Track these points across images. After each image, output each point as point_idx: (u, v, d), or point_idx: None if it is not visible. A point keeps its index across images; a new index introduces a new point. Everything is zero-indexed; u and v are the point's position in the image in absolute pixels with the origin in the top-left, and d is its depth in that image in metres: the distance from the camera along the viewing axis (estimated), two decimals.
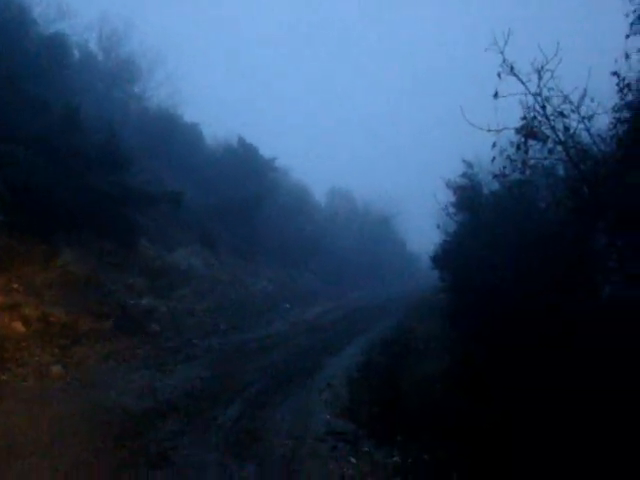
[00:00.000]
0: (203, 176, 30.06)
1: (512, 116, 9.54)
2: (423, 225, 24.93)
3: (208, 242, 24.76)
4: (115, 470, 6.96)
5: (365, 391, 10.93)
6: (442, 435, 8.26)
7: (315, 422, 9.23)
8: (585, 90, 8.81)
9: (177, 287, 19.15)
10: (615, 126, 8.60)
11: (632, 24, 8.70)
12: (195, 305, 18.53)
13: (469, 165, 13.76)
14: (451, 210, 15.70)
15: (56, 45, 23.97)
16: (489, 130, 9.68)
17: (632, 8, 8.71)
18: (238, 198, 28.99)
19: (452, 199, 15.38)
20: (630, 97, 8.40)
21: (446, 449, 7.89)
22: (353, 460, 7.81)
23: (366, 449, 8.22)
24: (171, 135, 30.21)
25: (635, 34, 8.66)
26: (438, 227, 17.44)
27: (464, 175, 14.04)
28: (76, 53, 29.07)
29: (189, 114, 34.93)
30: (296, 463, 7.50)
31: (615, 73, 8.61)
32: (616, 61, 8.55)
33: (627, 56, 8.52)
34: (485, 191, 13.66)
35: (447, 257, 16.25)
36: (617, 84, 8.55)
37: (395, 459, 7.89)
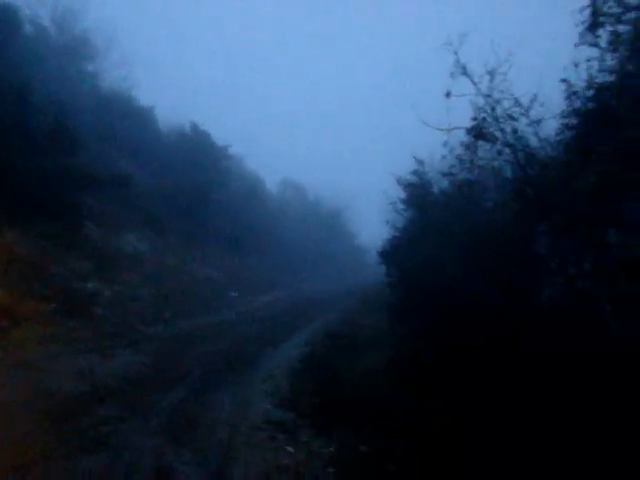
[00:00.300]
0: (155, 161, 29.49)
1: (465, 116, 9.64)
2: (373, 220, 25.03)
3: (157, 227, 24.32)
4: (50, 454, 6.76)
5: (307, 382, 10.91)
6: (386, 430, 8.30)
7: (255, 411, 9.18)
8: (535, 95, 8.96)
9: (123, 272, 18.75)
10: (563, 132, 8.76)
11: (581, 34, 8.87)
12: (141, 291, 18.17)
13: (420, 163, 13.80)
14: (401, 207, 15.74)
15: (6, 16, 23.04)
16: (440, 129, 9.77)
17: (582, 19, 8.88)
18: (189, 184, 28.54)
19: (402, 196, 15.41)
20: (578, 104, 8.56)
21: (388, 442, 7.94)
22: (290, 449, 7.81)
23: (304, 439, 8.23)
24: (124, 117, 29.50)
25: (584, 44, 8.82)
26: (387, 223, 17.48)
27: (415, 172, 14.08)
28: (28, 27, 28.04)
29: (162, 102, 34.23)
30: (233, 451, 7.45)
31: (564, 80, 8.77)
32: (565, 69, 8.71)
33: (576, 65, 8.69)
34: (435, 189, 13.74)
35: (395, 253, 16.33)
36: (565, 91, 8.71)
37: (332, 449, 7.89)
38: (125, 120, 29.25)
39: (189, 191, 28.43)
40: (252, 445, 7.77)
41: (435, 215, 12.70)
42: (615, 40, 8.69)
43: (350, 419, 8.84)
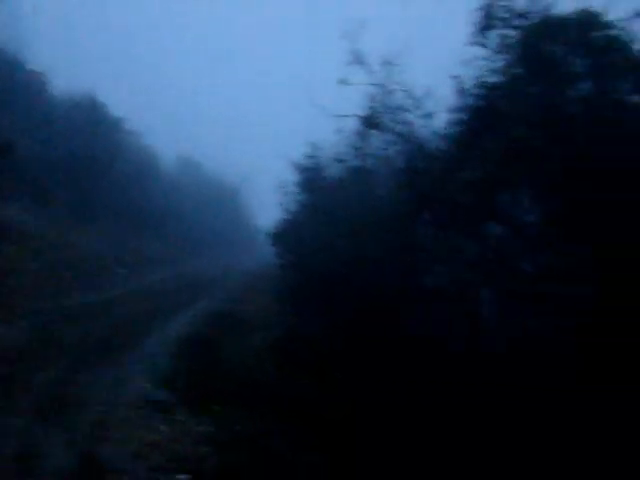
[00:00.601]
0: (45, 129, 27.38)
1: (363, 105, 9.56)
2: (271, 202, 24.60)
3: (43, 199, 22.66)
4: None
5: (189, 362, 10.45)
6: (270, 412, 8.10)
7: (132, 390, 8.67)
8: (428, 88, 8.98)
9: (4, 245, 17.25)
10: (453, 126, 8.82)
11: (474, 35, 8.95)
12: (23, 265, 16.79)
13: (314, 147, 13.61)
14: (294, 190, 15.55)
15: None
16: (335, 116, 9.63)
17: (475, 20, 8.97)
18: (82, 156, 26.81)
19: (297, 179, 15.21)
20: (468, 101, 8.63)
21: (270, 424, 7.74)
22: (165, 428, 7.43)
23: (180, 418, 7.86)
24: (11, 82, 27.09)
25: (476, 45, 8.91)
26: (281, 205, 17.25)
27: (309, 157, 13.89)
28: None
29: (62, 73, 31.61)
30: (106, 430, 6.97)
31: (455, 77, 8.82)
32: (457, 66, 8.76)
33: (467, 64, 8.76)
34: (329, 175, 13.60)
35: (287, 235, 16.13)
36: (456, 87, 8.77)
37: (209, 428, 7.60)
38: (12, 84, 26.89)
39: (80, 162, 26.70)
40: (126, 423, 7.32)
41: (328, 200, 12.57)
42: (505, 43, 8.83)
43: (231, 399, 8.58)
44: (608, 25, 8.45)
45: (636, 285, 6.31)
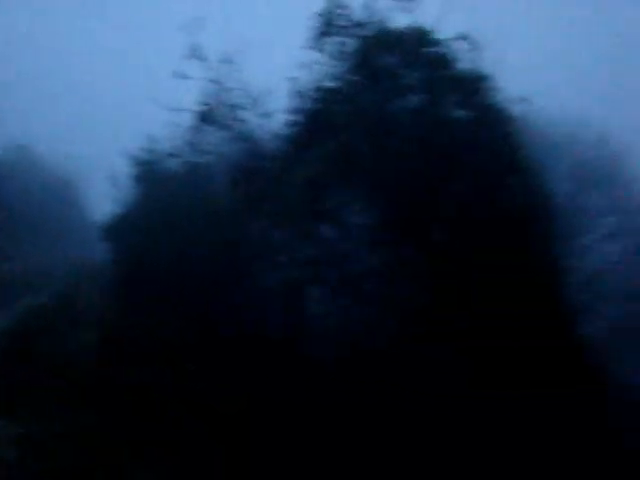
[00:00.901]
0: None
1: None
2: (106, 194, 22.89)
3: None
4: None
5: (3, 360, 9.27)
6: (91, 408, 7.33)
7: None
8: (266, 88, 8.69)
9: None
10: (289, 127, 8.58)
11: (313, 39, 8.80)
12: None
13: (151, 140, 12.67)
14: (131, 183, 14.44)
15: None
16: (173, 109, 9.02)
17: (315, 25, 8.81)
18: None
19: (133, 172, 14.11)
20: (306, 104, 8.44)
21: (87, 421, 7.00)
22: None
23: None
24: None
25: (314, 49, 8.77)
26: (116, 199, 15.97)
27: (145, 150, 12.92)
28: None
29: None
30: None
31: (292, 79, 8.62)
32: (296, 68, 8.56)
33: (303, 66, 8.60)
34: (165, 169, 12.74)
35: (121, 230, 14.95)
36: (294, 89, 8.56)
37: (22, 430, 6.75)
38: None
39: None
40: None
41: (163, 194, 11.75)
42: (342, 50, 8.74)
43: (53, 397, 7.74)
44: (437, 43, 8.66)
45: (467, 294, 6.42)
